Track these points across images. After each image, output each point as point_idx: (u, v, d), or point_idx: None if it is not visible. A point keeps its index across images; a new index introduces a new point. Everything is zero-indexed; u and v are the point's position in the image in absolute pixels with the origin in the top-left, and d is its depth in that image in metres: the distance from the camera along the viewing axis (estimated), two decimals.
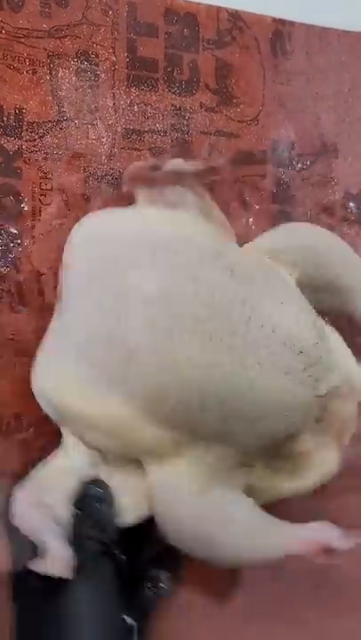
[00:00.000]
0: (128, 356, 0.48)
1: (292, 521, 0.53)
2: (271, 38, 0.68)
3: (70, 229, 0.58)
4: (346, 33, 0.71)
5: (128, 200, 0.61)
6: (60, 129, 0.61)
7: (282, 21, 0.68)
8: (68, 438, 0.53)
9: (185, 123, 0.64)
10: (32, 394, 0.55)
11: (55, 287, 0.58)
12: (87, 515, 0.50)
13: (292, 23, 0.69)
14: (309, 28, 0.70)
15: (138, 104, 0.63)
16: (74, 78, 0.61)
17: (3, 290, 0.58)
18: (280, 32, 0.68)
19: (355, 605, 0.65)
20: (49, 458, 0.54)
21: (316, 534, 0.51)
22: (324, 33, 0.70)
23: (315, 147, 0.69)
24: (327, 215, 0.68)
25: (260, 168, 0.66)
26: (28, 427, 0.58)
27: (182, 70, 0.64)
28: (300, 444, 0.54)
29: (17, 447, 0.57)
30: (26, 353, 0.58)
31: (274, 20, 0.68)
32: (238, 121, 0.66)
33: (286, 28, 0.69)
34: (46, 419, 0.55)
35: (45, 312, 0.59)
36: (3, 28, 0.59)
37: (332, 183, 0.69)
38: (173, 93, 0.64)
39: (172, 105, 0.64)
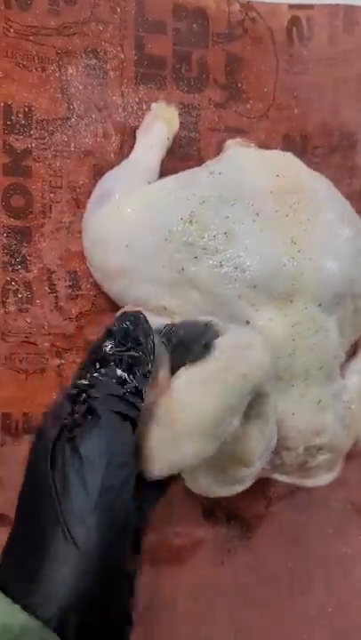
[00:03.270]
0: None
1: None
2: (287, 26, 0.66)
3: (80, 226, 0.59)
4: None
5: None
6: (70, 126, 0.61)
7: (299, 6, 0.66)
8: None
9: (193, 120, 0.64)
10: (41, 394, 0.57)
11: (66, 285, 0.60)
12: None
13: (310, 6, 0.66)
14: (333, 9, 0.67)
15: (146, 102, 0.62)
16: (83, 76, 0.61)
17: (12, 288, 0.59)
18: (297, 18, 0.66)
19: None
20: None
21: None
22: (350, 11, 0.67)
23: (332, 137, 0.67)
24: None
25: None
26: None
27: (191, 67, 0.64)
28: None
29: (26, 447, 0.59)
30: (36, 351, 0.60)
31: (290, 6, 0.66)
32: (248, 117, 0.65)
33: (305, 13, 0.67)
34: None
35: (56, 310, 0.60)
36: (11, 26, 0.59)
37: (351, 174, 0.68)
38: (182, 91, 0.63)
39: (181, 102, 0.63)
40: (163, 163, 0.62)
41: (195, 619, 0.62)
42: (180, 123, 0.63)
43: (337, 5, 0.67)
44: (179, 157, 0.63)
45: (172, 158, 0.63)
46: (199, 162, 0.63)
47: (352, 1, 0.68)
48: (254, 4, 0.65)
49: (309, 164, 0.66)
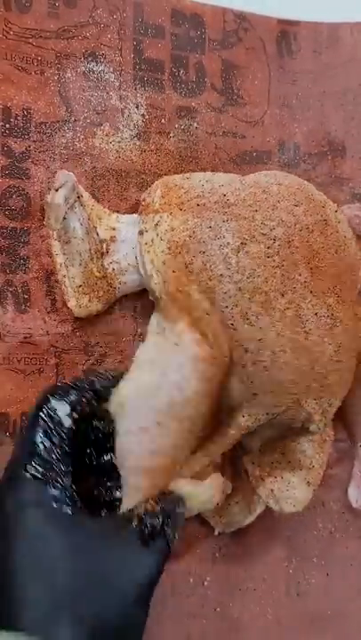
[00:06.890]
0: None
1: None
2: (277, 39, 0.68)
3: None
4: (359, 24, 0.70)
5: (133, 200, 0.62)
6: (68, 129, 0.61)
7: (287, 22, 0.68)
8: None
9: (191, 123, 0.65)
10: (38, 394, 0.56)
11: None
12: None
13: (297, 23, 0.69)
14: (317, 26, 0.70)
15: (144, 105, 0.63)
16: (81, 79, 0.62)
17: (11, 289, 0.59)
18: (286, 32, 0.69)
19: None
20: None
21: None
22: (333, 29, 0.70)
23: (321, 146, 0.69)
24: None
25: (264, 168, 0.66)
26: None
27: (188, 71, 0.65)
28: None
29: None
30: (35, 351, 0.59)
31: (279, 20, 0.68)
32: (244, 121, 0.66)
33: (292, 28, 0.69)
34: None
35: (54, 311, 0.60)
36: (10, 28, 0.60)
37: (339, 182, 0.69)
38: (179, 94, 0.64)
39: (178, 106, 0.64)
40: (160, 165, 0.63)
41: (186, 617, 0.61)
42: (178, 125, 0.64)
43: (321, 23, 0.70)
44: (177, 160, 0.64)
45: (171, 161, 0.64)
46: (197, 165, 0.64)
47: (335, 18, 0.70)
48: (247, 15, 0.67)
49: (301, 170, 0.68)
